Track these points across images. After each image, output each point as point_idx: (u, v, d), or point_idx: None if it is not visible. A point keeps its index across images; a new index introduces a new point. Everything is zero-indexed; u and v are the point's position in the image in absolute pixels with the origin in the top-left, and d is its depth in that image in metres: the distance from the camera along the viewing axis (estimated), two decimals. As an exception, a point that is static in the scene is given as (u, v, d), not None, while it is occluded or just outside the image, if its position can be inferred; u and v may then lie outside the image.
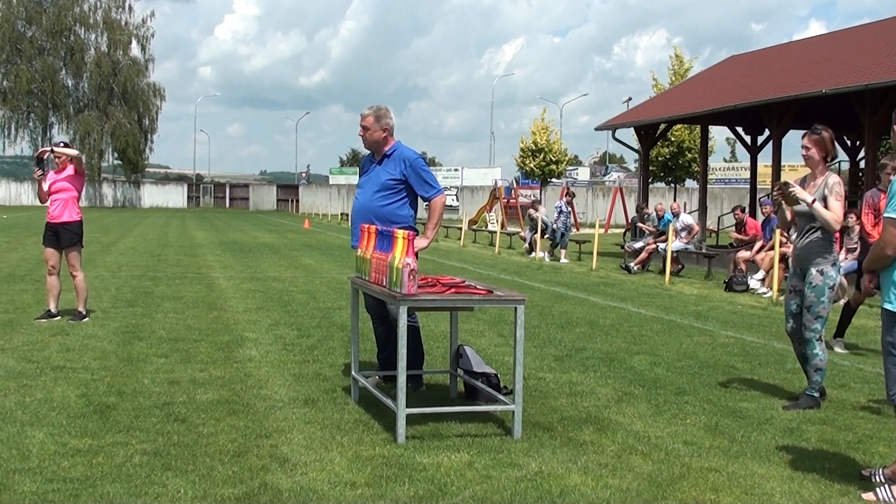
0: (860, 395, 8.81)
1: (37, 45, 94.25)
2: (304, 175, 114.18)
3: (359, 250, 7.93)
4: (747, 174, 40.05)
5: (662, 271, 21.53)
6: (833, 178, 8.22)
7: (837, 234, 8.66)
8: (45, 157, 12.10)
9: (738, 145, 35.27)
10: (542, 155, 74.11)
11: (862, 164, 29.37)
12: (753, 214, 27.68)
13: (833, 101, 23.74)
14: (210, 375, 9.01)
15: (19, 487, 5.57)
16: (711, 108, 27.88)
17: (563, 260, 26.82)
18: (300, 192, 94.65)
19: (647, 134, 33.46)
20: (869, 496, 5.81)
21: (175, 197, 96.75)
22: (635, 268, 23.17)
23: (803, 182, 8.40)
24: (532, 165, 74.32)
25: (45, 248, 12.22)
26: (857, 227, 17.29)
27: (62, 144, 12.29)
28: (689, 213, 27.54)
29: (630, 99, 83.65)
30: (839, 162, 38.83)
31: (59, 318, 12.17)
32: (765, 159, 33.62)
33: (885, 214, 5.73)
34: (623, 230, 40.05)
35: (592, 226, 31.29)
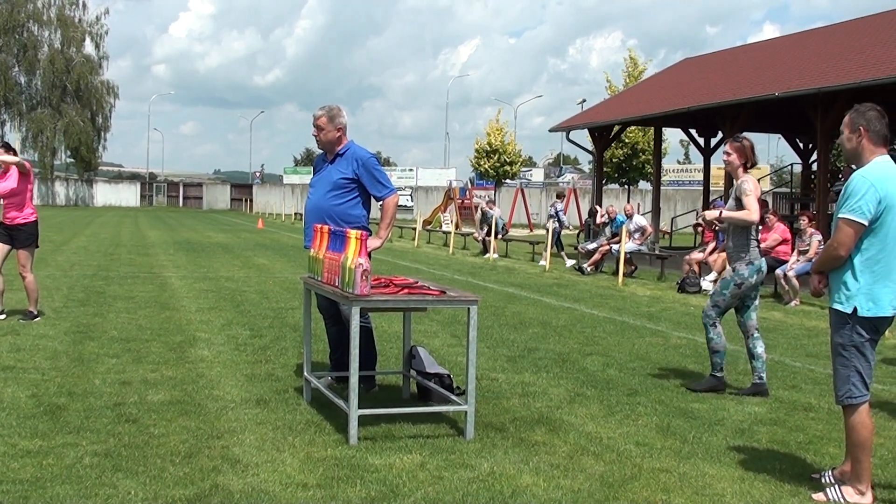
0: (811, 397, 8.90)
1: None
2: (257, 174, 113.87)
3: (311, 250, 7.91)
4: (701, 176, 40.36)
5: (616, 272, 21.62)
6: (745, 179, 8.85)
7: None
8: None
9: (692, 147, 35.46)
10: (496, 156, 74.36)
11: (814, 167, 29.66)
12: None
13: (786, 103, 23.97)
14: (162, 376, 8.95)
15: (-34, 489, 5.51)
16: (665, 111, 28.04)
17: (569, 263, 26.49)
18: (254, 192, 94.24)
19: (601, 136, 33.62)
20: (819, 496, 5.87)
21: (128, 196, 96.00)
22: (588, 269, 23.26)
23: (728, 193, 8.87)
24: (487, 166, 74.53)
25: None
26: (809, 230, 17.50)
27: (1, 150, 12.10)
28: (642, 215, 27.69)
29: (584, 101, 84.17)
30: (791, 164, 39.29)
31: (3, 316, 12.03)
32: (718, 161, 33.64)
33: (839, 215, 5.78)
34: (577, 231, 40.20)
35: (546, 227, 31.37)
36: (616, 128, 33.81)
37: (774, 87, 23.62)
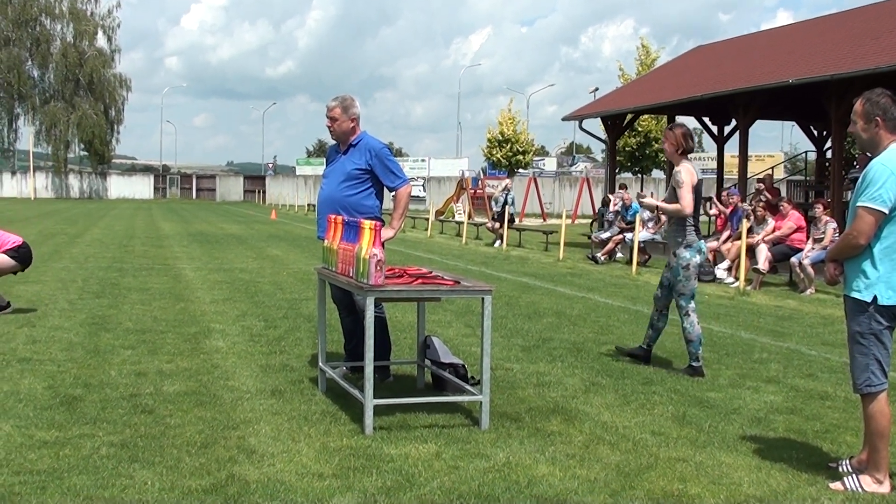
0: (827, 385, 8.87)
1: (2, 35, 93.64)
2: (270, 166, 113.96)
3: (325, 241, 7.91)
4: (714, 164, 40.15)
5: (629, 261, 21.57)
6: (679, 170, 9.28)
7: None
8: None
9: (705, 135, 35.31)
10: (508, 145, 74.28)
11: (829, 154, 29.54)
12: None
13: (800, 90, 23.82)
14: (177, 367, 8.96)
15: (-17, 481, 5.53)
16: (678, 99, 27.94)
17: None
18: (267, 183, 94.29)
19: (614, 124, 33.51)
20: (836, 486, 5.84)
21: (141, 188, 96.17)
22: (602, 258, 23.22)
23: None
24: (499, 156, 74.45)
25: None
26: (824, 218, 17.42)
27: None
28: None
29: (597, 89, 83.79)
30: (805, 152, 39.13)
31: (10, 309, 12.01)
32: (731, 149, 33.76)
33: (859, 203, 5.73)
34: (590, 220, 40.13)
35: (559, 216, 31.32)
36: (629, 116, 33.71)
37: (788, 73, 23.50)
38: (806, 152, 38.67)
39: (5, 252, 11.97)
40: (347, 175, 8.26)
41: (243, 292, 15.01)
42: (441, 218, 42.36)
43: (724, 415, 7.61)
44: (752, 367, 9.67)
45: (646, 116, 52.63)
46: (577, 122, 35.94)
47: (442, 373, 8.15)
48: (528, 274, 19.75)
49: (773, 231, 18.28)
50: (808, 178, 35.77)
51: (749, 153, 28.19)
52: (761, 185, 23.95)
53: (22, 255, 12.12)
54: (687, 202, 9.12)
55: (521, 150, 74.94)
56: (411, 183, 8.88)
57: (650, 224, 23.15)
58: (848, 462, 6.13)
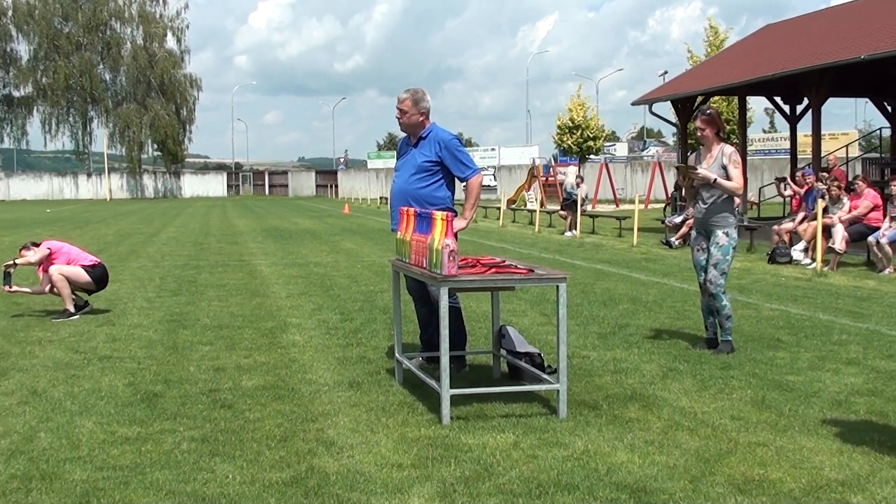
0: (908, 365, 8.74)
1: (74, 40, 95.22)
2: (342, 160, 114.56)
3: (398, 233, 7.94)
4: (787, 144, 39.60)
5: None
6: (728, 149, 9.41)
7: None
8: (11, 271, 12.03)
9: (777, 115, 34.86)
10: (579, 132, 73.73)
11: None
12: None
13: (872, 66, 23.42)
14: (255, 361, 9.06)
15: (70, 476, 5.63)
16: (748, 79, 27.61)
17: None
18: (339, 178, 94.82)
19: (685, 107, 33.17)
20: (920, 466, 5.76)
21: (215, 186, 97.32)
22: (676, 242, 23.02)
23: (698, 157, 9.61)
24: (569, 142, 73.98)
25: None
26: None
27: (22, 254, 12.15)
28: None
29: (666, 72, 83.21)
30: (879, 129, 38.48)
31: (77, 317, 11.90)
32: (804, 129, 33.22)
33: None
34: (663, 205, 39.84)
35: (632, 201, 31.13)
36: (699, 98, 33.31)
37: (860, 49, 23.10)
38: (881, 129, 37.98)
39: (81, 267, 12.07)
40: (418, 167, 8.29)
41: (318, 286, 15.12)
42: (513, 207, 42.30)
43: (804, 398, 7.52)
44: (831, 349, 9.55)
45: (716, 98, 51.98)
46: (646, 107, 35.65)
47: (518, 362, 8.15)
48: (602, 261, 19.66)
49: (850, 211, 17.99)
50: (882, 155, 35.18)
51: (822, 131, 27.77)
52: (825, 174, 23.47)
53: (97, 274, 12.15)
54: (741, 182, 9.42)
55: (591, 136, 74.35)
56: (482, 173, 8.88)
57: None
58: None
